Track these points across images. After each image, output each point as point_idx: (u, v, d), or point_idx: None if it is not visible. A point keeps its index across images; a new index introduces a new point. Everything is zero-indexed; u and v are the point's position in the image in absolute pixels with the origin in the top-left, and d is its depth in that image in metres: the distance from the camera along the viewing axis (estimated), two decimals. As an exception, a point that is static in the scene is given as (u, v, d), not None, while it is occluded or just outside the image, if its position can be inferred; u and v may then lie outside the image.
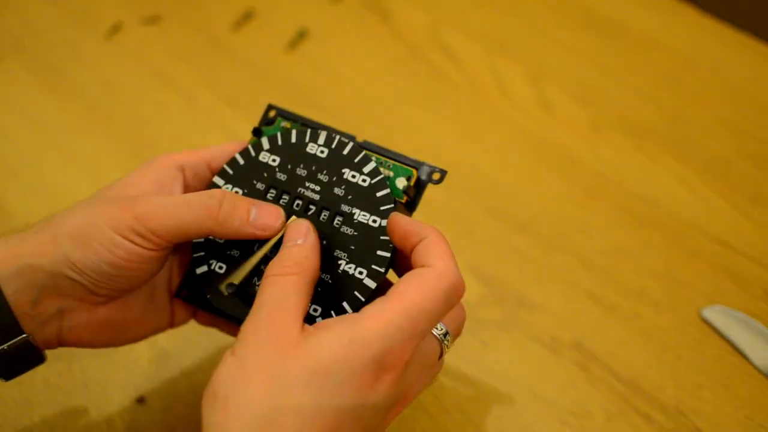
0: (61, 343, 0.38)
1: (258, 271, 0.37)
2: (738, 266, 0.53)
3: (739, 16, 0.68)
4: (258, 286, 0.37)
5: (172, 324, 0.42)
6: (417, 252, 0.33)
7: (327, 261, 0.37)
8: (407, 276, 0.32)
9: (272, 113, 0.42)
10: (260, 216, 0.37)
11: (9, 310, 0.35)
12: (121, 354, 0.50)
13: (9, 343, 0.35)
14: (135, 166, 0.50)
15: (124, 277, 0.36)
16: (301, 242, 0.35)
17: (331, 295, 0.37)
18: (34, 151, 0.62)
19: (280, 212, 0.37)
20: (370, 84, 0.65)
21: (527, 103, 0.63)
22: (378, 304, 0.31)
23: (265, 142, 0.40)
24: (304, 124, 0.41)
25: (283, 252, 0.35)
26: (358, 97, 0.64)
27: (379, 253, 0.37)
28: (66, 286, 0.36)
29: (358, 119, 0.62)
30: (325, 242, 0.37)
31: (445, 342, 0.35)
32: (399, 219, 0.35)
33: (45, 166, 0.60)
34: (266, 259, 0.37)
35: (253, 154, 0.40)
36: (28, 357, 0.37)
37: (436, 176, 0.40)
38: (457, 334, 0.36)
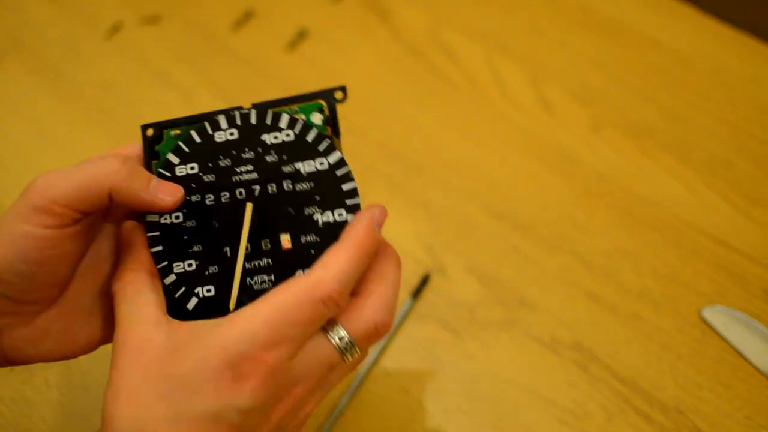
0: (9, 361, 0.36)
1: (248, 271, 0.36)
2: (738, 266, 0.53)
3: (739, 16, 0.68)
4: (255, 285, 0.36)
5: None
6: None
7: (304, 222, 0.37)
8: (285, 281, 0.32)
9: (150, 132, 0.39)
10: (159, 187, 0.36)
11: None
12: (121, 354, 0.50)
13: None
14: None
15: (46, 271, 0.34)
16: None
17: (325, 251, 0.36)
18: (34, 151, 0.62)
19: (179, 188, 0.36)
20: (370, 84, 0.65)
21: (527, 103, 0.63)
22: (244, 309, 0.31)
23: (173, 158, 0.37)
24: (190, 122, 0.39)
25: (119, 261, 0.36)
26: (358, 97, 0.64)
27: (345, 187, 0.37)
28: None
29: (358, 119, 0.62)
30: (291, 209, 0.37)
31: (346, 350, 0.33)
32: (357, 216, 0.36)
33: (45, 166, 0.60)
34: (248, 257, 0.36)
35: (168, 174, 0.37)
36: None
37: (339, 95, 0.39)
38: (363, 341, 0.34)
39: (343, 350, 0.33)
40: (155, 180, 0.36)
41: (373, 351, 0.50)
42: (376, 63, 0.67)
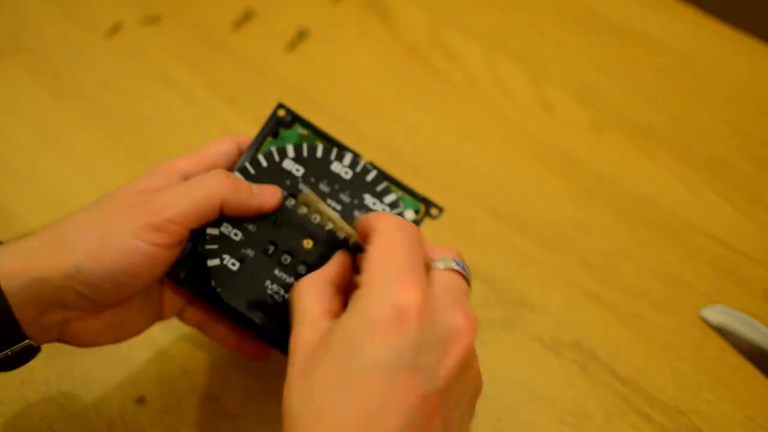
0: (61, 340, 0.39)
1: (270, 271, 0.39)
2: (738, 266, 0.53)
3: (739, 16, 0.68)
4: (272, 290, 0.39)
5: (162, 316, 0.42)
6: (365, 232, 0.35)
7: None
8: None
9: (282, 112, 0.42)
10: (261, 191, 0.39)
11: (16, 323, 0.35)
12: (121, 354, 0.50)
13: (12, 348, 0.36)
14: (134, 165, 0.50)
15: (139, 283, 0.36)
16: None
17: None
18: (34, 151, 0.62)
19: (277, 189, 0.39)
20: (370, 84, 0.65)
21: (527, 103, 0.63)
22: (365, 267, 0.32)
23: (290, 150, 0.40)
24: (319, 134, 0.42)
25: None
26: (358, 97, 0.64)
27: None
28: (72, 300, 0.36)
29: (358, 119, 0.62)
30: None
31: (461, 267, 0.34)
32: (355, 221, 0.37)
33: (45, 166, 0.60)
34: (280, 264, 0.39)
35: (277, 159, 0.40)
36: (28, 356, 0.37)
37: (434, 212, 0.42)
38: (457, 254, 0.35)
39: (462, 271, 0.34)
40: (255, 186, 0.39)
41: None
42: (376, 63, 0.67)
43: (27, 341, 0.36)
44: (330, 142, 0.42)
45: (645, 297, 0.52)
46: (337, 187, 0.40)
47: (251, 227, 0.39)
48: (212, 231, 0.39)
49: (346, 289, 0.36)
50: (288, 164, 0.40)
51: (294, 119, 0.42)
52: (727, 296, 0.52)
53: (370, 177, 0.40)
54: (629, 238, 0.55)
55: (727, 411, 0.47)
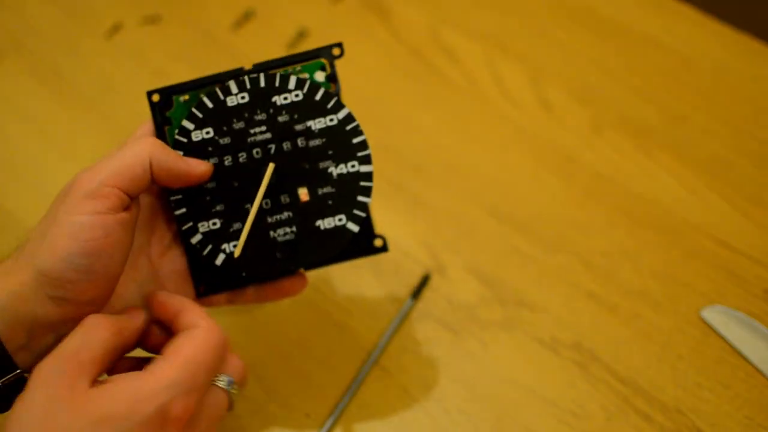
0: None
1: (270, 225, 0.40)
2: (738, 266, 0.53)
3: (739, 16, 0.68)
4: (278, 237, 0.40)
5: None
6: (181, 318, 0.36)
7: (320, 175, 0.40)
8: (179, 336, 0.35)
9: (156, 97, 0.41)
10: (188, 158, 0.39)
11: (3, 350, 0.34)
12: (121, 354, 0.50)
13: (3, 379, 0.35)
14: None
15: (102, 262, 0.35)
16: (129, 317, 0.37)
17: (343, 200, 0.40)
18: (34, 151, 0.62)
19: (205, 161, 0.39)
20: (370, 84, 0.65)
21: (527, 103, 0.63)
22: (158, 362, 0.33)
23: (188, 124, 0.40)
24: (196, 87, 0.41)
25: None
26: (358, 97, 0.64)
27: (355, 140, 0.40)
28: (53, 310, 0.35)
29: (358, 119, 0.62)
30: (306, 164, 0.40)
31: (233, 391, 0.36)
32: (156, 296, 0.38)
33: (45, 166, 0.60)
34: (270, 212, 0.39)
35: (185, 140, 0.40)
36: (20, 386, 0.35)
37: (336, 51, 0.42)
38: (242, 381, 0.37)
39: (233, 393, 0.36)
40: (181, 153, 0.39)
41: (373, 351, 0.50)
42: (376, 63, 0.67)
43: (18, 371, 0.35)
44: (209, 83, 0.41)
45: (645, 297, 0.52)
46: (246, 114, 0.40)
47: (221, 207, 0.40)
48: (195, 238, 0.39)
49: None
50: (197, 135, 0.40)
51: (168, 95, 0.41)
52: (727, 296, 0.52)
53: (262, 83, 0.40)
54: (629, 238, 0.55)
55: (727, 411, 0.47)
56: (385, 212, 0.57)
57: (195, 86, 0.41)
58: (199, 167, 0.39)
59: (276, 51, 0.68)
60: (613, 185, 0.58)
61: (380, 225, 0.56)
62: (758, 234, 0.55)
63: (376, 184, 0.58)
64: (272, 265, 0.40)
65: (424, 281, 0.53)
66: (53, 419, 0.31)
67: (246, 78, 0.40)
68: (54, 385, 0.32)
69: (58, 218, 0.35)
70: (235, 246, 0.39)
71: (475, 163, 0.60)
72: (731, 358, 0.50)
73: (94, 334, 0.34)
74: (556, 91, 0.64)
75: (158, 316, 0.38)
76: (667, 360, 0.50)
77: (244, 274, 0.40)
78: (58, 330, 0.36)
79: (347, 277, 0.53)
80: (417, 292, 0.53)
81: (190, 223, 0.39)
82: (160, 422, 0.32)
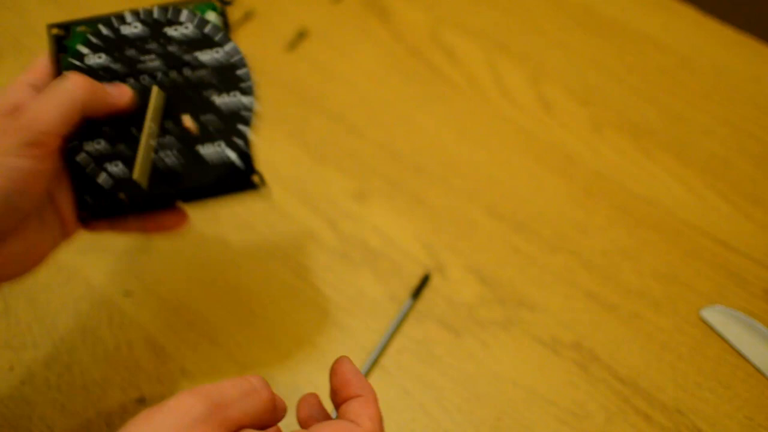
0: None
1: (155, 149, 0.41)
2: (738, 266, 0.53)
3: (739, 16, 0.68)
4: (165, 159, 0.41)
5: (66, 235, 0.42)
6: (351, 405, 0.35)
7: (203, 104, 0.41)
8: (336, 424, 0.33)
9: (55, 31, 0.43)
10: (114, 87, 0.40)
11: None
12: (121, 354, 0.50)
13: None
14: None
15: (31, 200, 0.37)
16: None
17: (224, 127, 0.41)
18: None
19: (125, 86, 0.41)
20: (370, 84, 0.65)
21: (527, 103, 0.63)
22: None
23: (83, 48, 0.41)
24: (98, 21, 0.42)
25: None
26: (358, 96, 0.64)
27: (238, 72, 0.41)
28: None
29: (358, 119, 0.62)
30: (191, 93, 0.41)
31: None
32: (345, 366, 0.37)
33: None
34: (155, 136, 0.40)
35: (78, 63, 0.41)
36: None
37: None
38: None
39: None
40: (106, 85, 0.40)
41: (373, 351, 0.50)
42: (376, 63, 0.67)
43: None
44: (105, 19, 0.42)
45: (645, 297, 0.52)
46: (139, 43, 0.42)
47: (107, 128, 0.40)
48: (80, 157, 0.40)
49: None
50: (90, 59, 0.41)
51: (67, 27, 0.43)
52: (727, 296, 0.52)
53: (156, 14, 0.42)
54: (629, 238, 0.55)
55: (727, 411, 0.47)
56: (385, 212, 0.57)
57: (93, 20, 0.42)
58: (123, 98, 0.40)
59: (276, 51, 0.68)
60: (613, 185, 0.58)
61: (380, 225, 0.56)
62: (758, 234, 0.55)
63: (376, 184, 0.58)
64: (151, 191, 0.41)
65: (424, 281, 0.53)
66: None
67: (141, 9, 0.42)
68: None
69: None
70: (116, 167, 0.40)
71: (475, 163, 0.60)
72: (731, 358, 0.50)
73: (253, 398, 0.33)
74: (556, 91, 0.64)
75: (334, 386, 0.37)
76: (667, 360, 0.50)
77: (122, 196, 0.41)
78: None
79: (347, 277, 0.53)
80: (417, 292, 0.53)
81: (75, 142, 0.40)
82: None
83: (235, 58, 0.42)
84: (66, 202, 0.41)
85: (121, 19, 0.42)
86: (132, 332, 0.51)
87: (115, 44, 0.41)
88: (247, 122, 0.41)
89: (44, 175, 0.37)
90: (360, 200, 0.57)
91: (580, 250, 0.55)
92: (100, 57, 0.41)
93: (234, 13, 0.70)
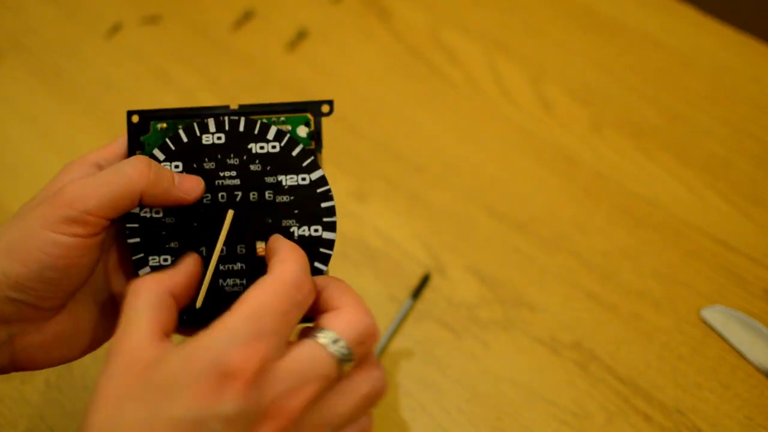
0: (15, 367, 0.37)
1: (221, 273, 0.38)
2: (738, 266, 0.53)
3: (739, 16, 0.68)
4: (226, 287, 0.38)
5: None
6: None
7: (281, 233, 0.38)
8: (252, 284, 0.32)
9: (135, 118, 0.40)
10: (183, 180, 0.37)
11: None
12: (121, 354, 0.50)
13: None
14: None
15: (71, 278, 0.35)
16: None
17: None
18: (34, 151, 0.62)
19: (199, 179, 0.38)
20: (370, 84, 0.65)
21: (527, 103, 0.63)
22: (222, 315, 0.31)
23: (159, 154, 0.38)
24: (177, 116, 0.40)
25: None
26: (358, 97, 0.64)
27: (323, 205, 0.38)
28: (11, 310, 0.34)
29: (359, 119, 0.62)
30: (269, 218, 0.38)
31: (339, 351, 0.31)
32: (272, 237, 0.36)
33: (45, 166, 0.60)
34: (223, 259, 0.37)
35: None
36: None
37: (325, 109, 0.40)
38: (361, 340, 0.32)
39: (336, 354, 0.31)
40: (177, 176, 0.37)
41: (373, 351, 0.50)
42: (376, 63, 0.67)
43: None
44: (190, 116, 0.40)
45: (645, 297, 0.52)
46: (220, 156, 0.38)
47: (175, 244, 0.38)
48: (146, 270, 0.38)
49: (184, 301, 0.35)
50: (166, 166, 0.38)
51: (147, 119, 0.40)
52: (727, 296, 0.52)
53: (241, 127, 0.39)
54: (629, 238, 0.55)
55: (727, 411, 0.47)
56: (385, 212, 0.57)
57: (176, 116, 0.39)
58: (192, 194, 0.37)
59: (276, 51, 0.68)
60: (613, 185, 0.58)
61: (380, 225, 0.56)
62: (758, 234, 0.55)
63: (376, 184, 0.58)
64: (217, 314, 0.37)
65: (424, 281, 0.53)
66: (112, 393, 0.29)
67: (226, 119, 0.39)
68: (114, 360, 0.30)
69: (32, 227, 0.34)
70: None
71: (475, 163, 0.60)
72: (731, 358, 0.50)
73: (143, 299, 0.32)
74: (556, 91, 0.64)
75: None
76: (667, 360, 0.50)
77: (185, 317, 0.37)
78: (11, 329, 0.35)
79: (347, 277, 0.53)
80: (417, 292, 0.53)
81: (141, 254, 0.38)
82: (218, 377, 0.28)
83: (322, 189, 0.38)
84: (123, 292, 0.39)
85: (203, 127, 0.38)
86: (132, 332, 0.51)
87: (194, 154, 0.38)
88: (324, 260, 0.38)
89: (86, 253, 0.35)
90: (360, 200, 0.57)
91: (580, 250, 0.55)
92: (177, 166, 0.38)
93: (234, 13, 0.70)
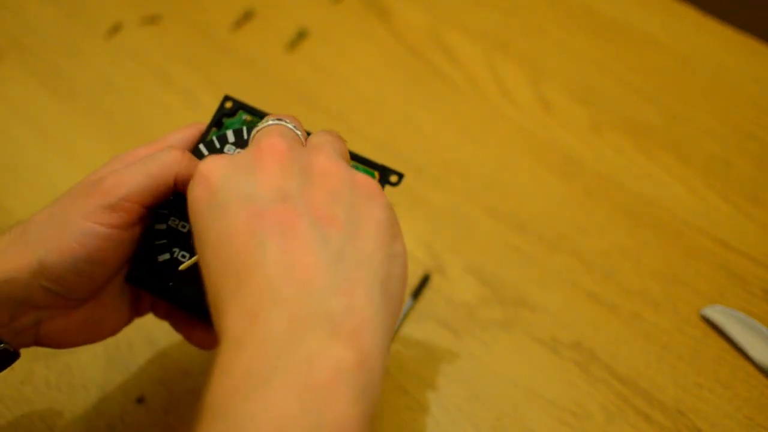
0: (38, 343, 0.38)
1: None
2: (738, 266, 0.53)
3: (739, 16, 0.68)
4: None
5: (138, 313, 0.41)
6: None
7: None
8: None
9: (229, 104, 0.42)
10: None
11: None
12: (121, 354, 0.50)
13: None
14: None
15: (105, 270, 0.36)
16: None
17: None
18: (34, 151, 0.62)
19: None
20: (370, 84, 0.65)
21: (527, 103, 0.63)
22: None
23: (230, 135, 0.40)
24: (262, 116, 0.41)
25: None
26: (358, 97, 0.64)
27: None
28: (42, 298, 0.35)
29: (359, 119, 0.62)
30: None
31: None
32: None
33: (45, 166, 0.60)
34: None
35: (218, 146, 0.40)
36: (5, 359, 0.36)
37: (393, 179, 0.41)
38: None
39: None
40: None
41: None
42: (376, 63, 0.67)
43: (2, 345, 0.35)
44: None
45: (645, 297, 0.52)
46: None
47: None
48: (160, 226, 0.38)
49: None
50: (229, 149, 0.40)
51: (238, 108, 0.42)
52: (727, 296, 0.52)
53: None
54: (629, 238, 0.55)
55: (727, 411, 0.47)
56: (385, 212, 0.57)
57: (262, 116, 0.41)
58: None
59: (276, 51, 0.68)
60: (613, 185, 0.58)
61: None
62: (758, 234, 0.55)
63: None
64: (196, 299, 0.38)
65: (424, 281, 0.53)
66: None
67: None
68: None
69: (70, 218, 0.35)
70: (183, 257, 0.38)
71: (475, 163, 0.60)
72: (731, 358, 0.50)
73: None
74: (556, 91, 0.64)
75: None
76: (667, 360, 0.50)
77: (171, 284, 0.38)
78: (40, 314, 0.36)
79: (347, 277, 0.53)
80: (417, 292, 0.53)
81: (166, 211, 0.38)
82: (254, 151, 0.32)
83: None
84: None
85: None
86: (133, 332, 0.51)
87: None
88: None
89: (121, 245, 0.36)
90: (360, 200, 0.57)
91: (580, 250, 0.55)
92: (239, 152, 0.38)
93: (234, 13, 0.70)
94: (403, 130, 0.62)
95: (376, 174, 0.41)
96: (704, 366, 0.49)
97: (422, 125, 0.62)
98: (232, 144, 0.40)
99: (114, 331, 0.40)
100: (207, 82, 0.66)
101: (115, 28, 0.70)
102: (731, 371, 0.49)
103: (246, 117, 0.42)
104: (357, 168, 0.41)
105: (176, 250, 0.38)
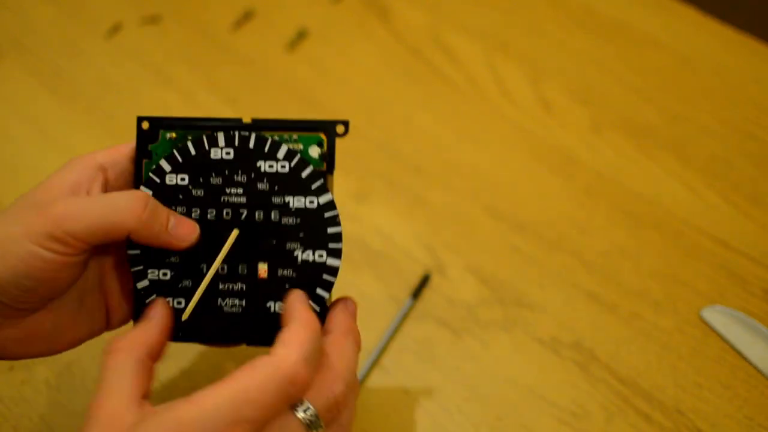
0: None
1: (220, 292, 0.37)
2: (738, 266, 0.53)
3: (739, 16, 0.68)
4: (225, 307, 0.37)
5: (109, 326, 0.40)
6: (279, 334, 0.33)
7: (284, 255, 0.37)
8: (249, 361, 0.31)
9: (146, 124, 0.39)
10: (178, 225, 0.36)
11: None
12: (121, 354, 0.50)
13: None
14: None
15: (45, 288, 0.35)
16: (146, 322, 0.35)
17: (301, 288, 0.36)
18: (34, 151, 0.62)
19: (196, 226, 0.37)
20: (370, 84, 0.65)
21: (527, 103, 0.63)
22: (210, 386, 0.30)
23: (165, 165, 0.38)
24: (188, 126, 0.38)
25: (132, 329, 0.35)
26: (358, 97, 0.64)
27: (330, 230, 0.37)
28: None
29: (358, 119, 0.62)
30: (273, 240, 0.37)
31: (312, 424, 0.32)
32: (291, 296, 0.35)
33: (45, 166, 0.60)
34: (223, 278, 0.37)
35: (158, 180, 0.37)
36: None
37: (340, 129, 0.38)
38: (328, 410, 0.33)
39: (309, 424, 0.32)
40: (173, 218, 0.36)
41: (373, 351, 0.50)
42: (376, 63, 0.67)
43: None
44: (201, 127, 0.38)
45: (645, 297, 0.52)
46: (227, 172, 0.37)
47: (176, 259, 0.37)
48: (144, 283, 0.37)
49: (159, 357, 0.35)
50: (171, 179, 0.37)
51: (156, 126, 0.39)
52: (727, 296, 0.52)
53: (251, 144, 0.38)
54: (629, 238, 0.55)
55: (727, 411, 0.47)
56: (385, 212, 0.57)
57: (186, 126, 0.38)
58: (183, 242, 0.36)
59: (276, 51, 0.68)
60: (613, 185, 0.58)
61: (381, 224, 0.56)
62: (758, 234, 0.55)
63: (376, 184, 0.58)
64: (212, 332, 0.37)
65: (424, 281, 0.53)
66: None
67: (236, 134, 0.37)
68: (95, 425, 0.30)
69: (16, 235, 0.33)
70: (179, 303, 0.37)
71: (474, 163, 0.60)
72: (731, 358, 0.50)
73: (119, 364, 0.32)
74: (556, 91, 0.64)
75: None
76: (667, 360, 0.50)
77: (180, 334, 0.37)
78: None
79: (347, 278, 0.53)
80: (417, 292, 0.53)
81: (141, 267, 0.37)
82: None
83: (329, 214, 0.37)
84: (115, 293, 0.39)
85: (213, 140, 0.37)
86: (132, 332, 0.51)
87: (201, 168, 0.37)
88: (327, 287, 0.37)
89: (65, 269, 0.34)
90: (360, 200, 0.57)
91: (580, 250, 0.55)
92: (183, 179, 0.37)
93: (234, 13, 0.70)
94: (403, 130, 0.62)
95: (323, 136, 0.38)
96: (704, 366, 0.49)
97: (422, 125, 0.62)
98: (172, 173, 0.37)
99: (72, 344, 0.39)
100: (207, 82, 0.66)
101: (115, 28, 0.70)
102: (731, 371, 0.49)
103: (170, 135, 0.39)
104: (300, 138, 0.38)
105: (153, 270, 0.37)
